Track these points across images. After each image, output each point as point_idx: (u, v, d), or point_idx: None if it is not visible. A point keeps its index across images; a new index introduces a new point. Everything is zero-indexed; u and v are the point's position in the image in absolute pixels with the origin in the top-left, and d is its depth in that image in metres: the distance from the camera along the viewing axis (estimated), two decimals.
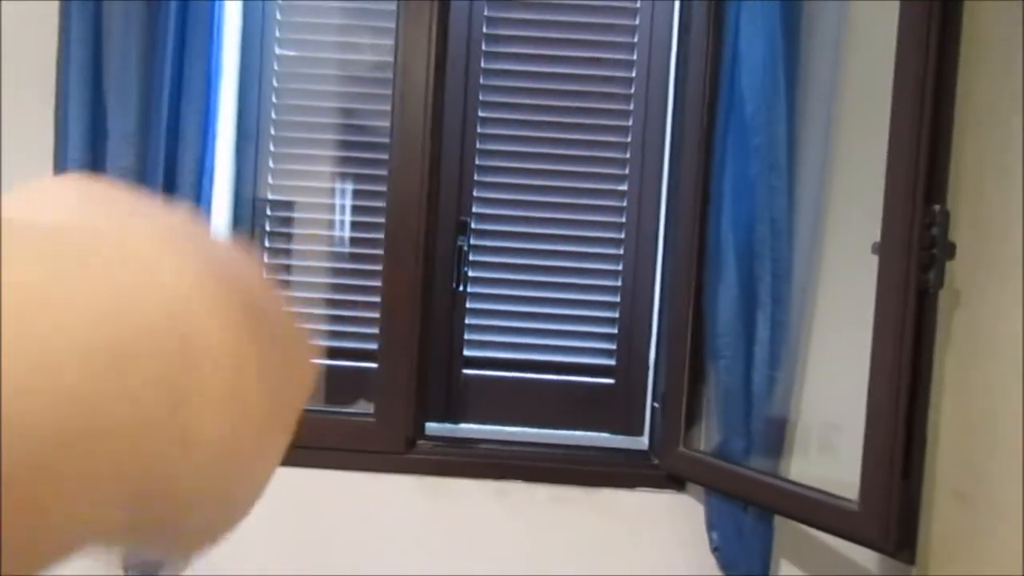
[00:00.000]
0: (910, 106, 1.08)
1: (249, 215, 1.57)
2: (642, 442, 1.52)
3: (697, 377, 1.40)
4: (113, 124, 1.26)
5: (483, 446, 1.45)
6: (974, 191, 1.20)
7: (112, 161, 1.27)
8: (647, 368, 1.56)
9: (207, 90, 1.29)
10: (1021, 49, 1.13)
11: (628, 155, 1.56)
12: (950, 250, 1.10)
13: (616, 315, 1.57)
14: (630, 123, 1.56)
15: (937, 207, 1.08)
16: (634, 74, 1.56)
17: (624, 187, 1.57)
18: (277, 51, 1.55)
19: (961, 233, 1.18)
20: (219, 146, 1.41)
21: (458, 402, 1.56)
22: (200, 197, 1.30)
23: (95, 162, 1.26)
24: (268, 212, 1.57)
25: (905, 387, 1.10)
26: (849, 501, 1.15)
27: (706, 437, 1.40)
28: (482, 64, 1.55)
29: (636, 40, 1.56)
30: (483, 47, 1.55)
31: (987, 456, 1.16)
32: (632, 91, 1.56)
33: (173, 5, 1.24)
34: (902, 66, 1.09)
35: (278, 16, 1.55)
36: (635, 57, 1.56)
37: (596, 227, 1.57)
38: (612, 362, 1.58)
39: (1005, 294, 1.14)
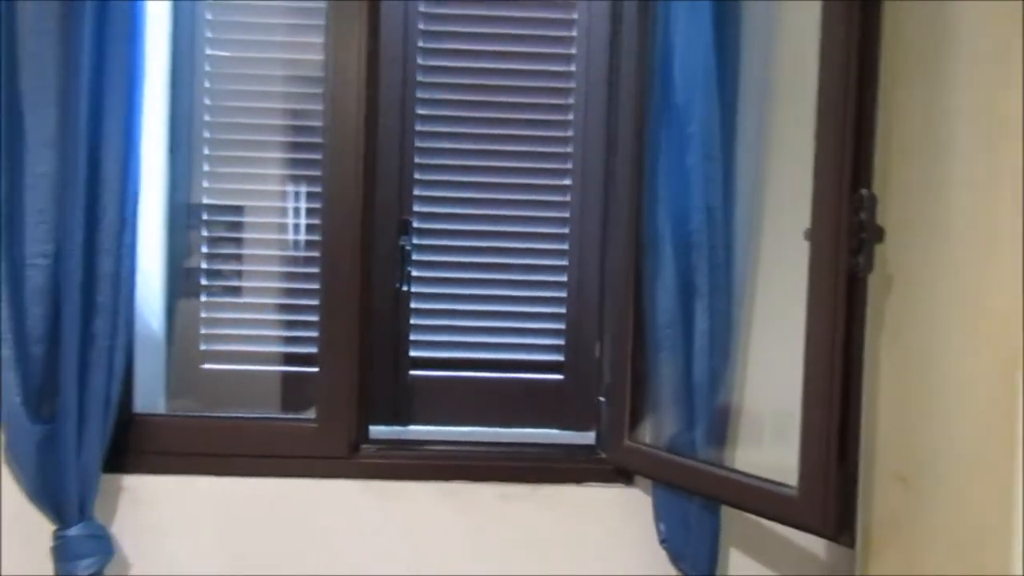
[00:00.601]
0: (834, 93, 1.09)
1: (185, 221, 1.54)
2: (591, 437, 1.51)
3: (642, 369, 1.39)
4: (31, 129, 1.22)
5: (428, 447, 1.43)
6: (902, 175, 1.21)
7: (31, 167, 1.22)
8: (596, 363, 1.55)
9: (129, 93, 1.25)
10: (943, 34, 1.15)
11: (570, 149, 1.56)
12: (879, 234, 1.11)
13: (563, 310, 1.57)
14: (571, 117, 1.56)
15: (864, 192, 1.09)
16: (574, 68, 1.56)
17: (567, 181, 1.56)
18: (208, 52, 1.52)
19: (890, 217, 1.19)
20: (149, 151, 1.37)
21: (406, 404, 1.54)
22: (125, 203, 1.26)
23: (12, 168, 1.22)
24: (204, 217, 1.53)
25: (839, 371, 1.11)
26: (788, 487, 1.16)
27: (653, 429, 1.40)
28: (419, 61, 1.54)
29: (575, 34, 1.56)
30: (419, 44, 1.54)
31: (925, 438, 1.17)
32: (573, 85, 1.56)
33: (89, 4, 1.20)
34: (826, 54, 1.10)
35: (208, 16, 1.52)
36: (574, 51, 1.56)
37: (540, 223, 1.56)
38: (561, 358, 1.57)
39: (937, 276, 1.16)
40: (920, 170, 1.20)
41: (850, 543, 1.23)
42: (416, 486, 1.39)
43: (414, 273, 1.54)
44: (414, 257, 1.54)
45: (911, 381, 1.21)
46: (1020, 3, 0.98)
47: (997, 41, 1.03)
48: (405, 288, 1.53)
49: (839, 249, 1.09)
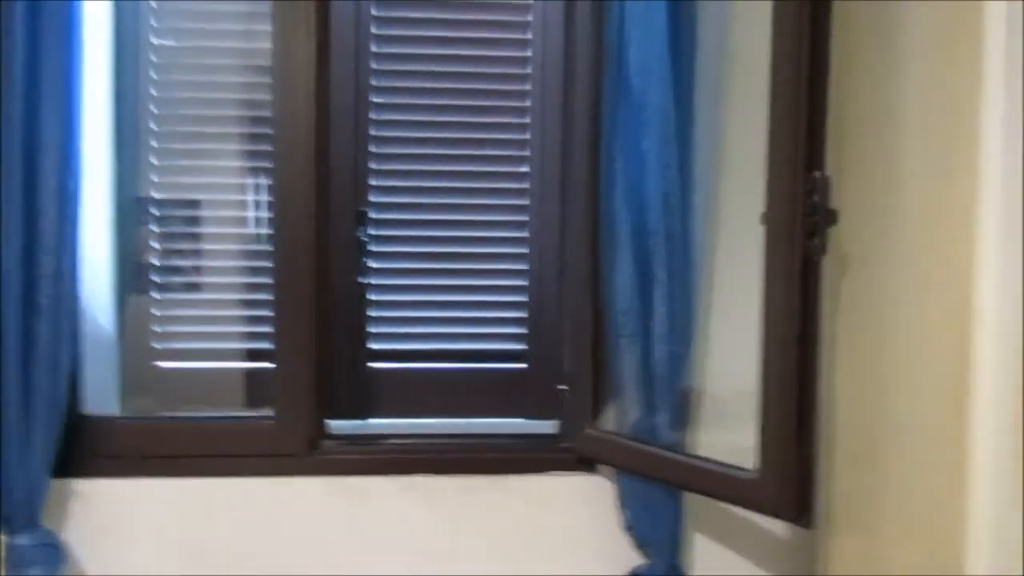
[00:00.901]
0: (787, 75, 1.08)
1: (136, 216, 1.49)
2: (555, 426, 1.50)
3: (603, 357, 1.39)
4: None
5: (389, 441, 1.42)
6: (856, 159, 1.22)
7: None
8: (560, 351, 1.54)
9: (67, 87, 1.21)
10: (894, 18, 1.15)
11: (528, 136, 1.53)
12: (833, 216, 1.11)
13: (526, 299, 1.55)
14: (529, 104, 1.53)
15: (817, 174, 1.09)
16: (531, 53, 1.53)
17: (526, 168, 1.54)
18: (154, 41, 1.47)
19: (845, 200, 1.19)
20: (94, 146, 1.33)
21: (366, 397, 1.51)
22: (65, 201, 1.22)
23: None
24: (156, 212, 1.49)
25: (795, 354, 1.11)
26: (748, 471, 1.16)
27: (616, 416, 1.40)
28: (372, 49, 1.50)
29: (531, 19, 1.53)
30: (373, 31, 1.50)
31: (882, 419, 1.18)
32: (530, 71, 1.53)
33: None
34: (779, 37, 1.09)
35: (153, 4, 1.47)
36: (530, 36, 1.53)
37: (500, 211, 1.54)
38: (524, 346, 1.56)
39: (891, 258, 1.16)
40: (874, 154, 1.20)
41: (811, 525, 1.24)
42: (378, 481, 1.37)
43: (373, 265, 1.51)
44: (373, 248, 1.51)
45: (867, 363, 1.21)
46: None
47: (947, 24, 1.03)
48: (363, 280, 1.50)
49: (794, 232, 1.09)
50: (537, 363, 1.55)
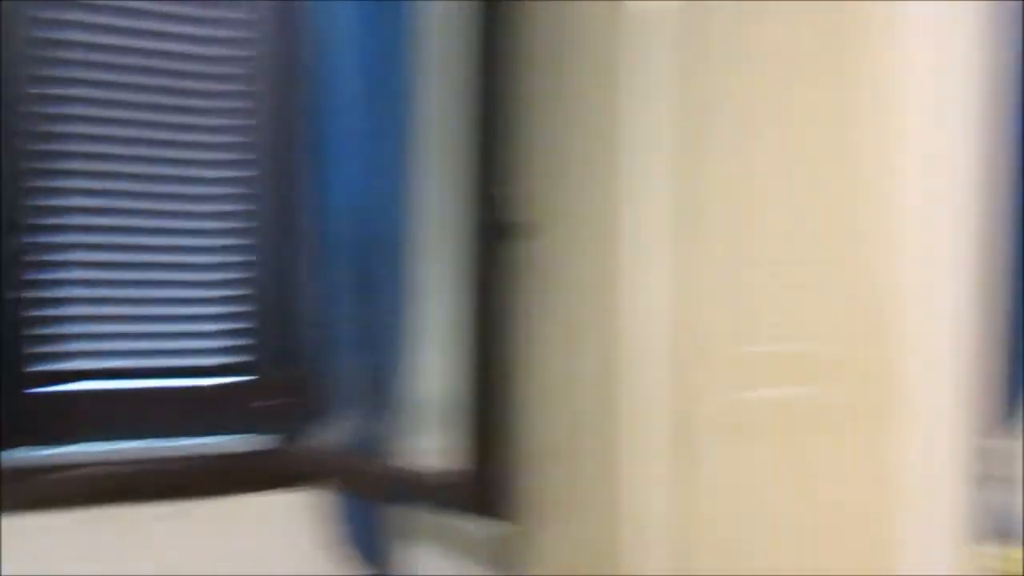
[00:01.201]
0: (475, 95, 1.13)
1: None
2: (262, 442, 1.43)
3: (318, 369, 1.35)
4: None
5: (68, 471, 1.26)
6: (554, 173, 1.29)
7: None
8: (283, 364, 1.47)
9: None
10: (592, 36, 1.23)
11: (246, 139, 1.44)
12: (525, 230, 1.18)
13: (249, 308, 1.45)
14: (245, 105, 1.44)
15: (503, 190, 1.14)
16: (247, 52, 1.44)
17: (243, 173, 1.44)
18: None
19: (541, 212, 1.26)
20: None
21: (36, 426, 1.33)
22: None
23: None
24: None
25: (489, 358, 1.16)
26: (451, 473, 1.19)
27: (333, 429, 1.36)
28: (40, 34, 1.31)
29: (247, 16, 1.44)
30: (43, 15, 1.31)
31: (572, 419, 1.26)
32: (239, 71, 1.44)
33: None
34: (470, 62, 1.13)
35: None
36: (248, 35, 1.44)
37: (211, 217, 1.43)
38: (248, 358, 1.46)
39: (579, 271, 1.25)
40: (570, 166, 1.28)
41: (514, 520, 1.29)
42: (57, 518, 1.21)
43: (60, 276, 1.34)
44: (66, 256, 1.33)
45: (562, 367, 1.30)
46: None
47: (607, 51, 1.13)
48: (28, 295, 1.31)
49: (484, 243, 1.14)
50: (254, 376, 1.46)
